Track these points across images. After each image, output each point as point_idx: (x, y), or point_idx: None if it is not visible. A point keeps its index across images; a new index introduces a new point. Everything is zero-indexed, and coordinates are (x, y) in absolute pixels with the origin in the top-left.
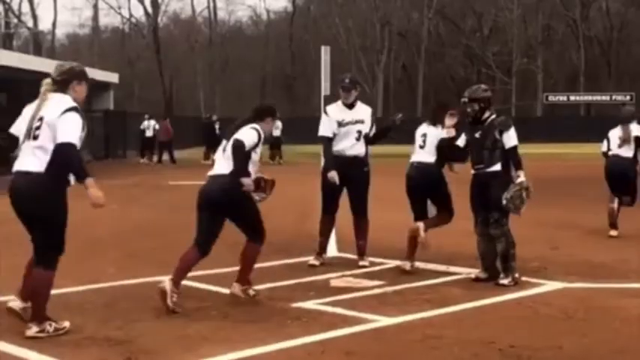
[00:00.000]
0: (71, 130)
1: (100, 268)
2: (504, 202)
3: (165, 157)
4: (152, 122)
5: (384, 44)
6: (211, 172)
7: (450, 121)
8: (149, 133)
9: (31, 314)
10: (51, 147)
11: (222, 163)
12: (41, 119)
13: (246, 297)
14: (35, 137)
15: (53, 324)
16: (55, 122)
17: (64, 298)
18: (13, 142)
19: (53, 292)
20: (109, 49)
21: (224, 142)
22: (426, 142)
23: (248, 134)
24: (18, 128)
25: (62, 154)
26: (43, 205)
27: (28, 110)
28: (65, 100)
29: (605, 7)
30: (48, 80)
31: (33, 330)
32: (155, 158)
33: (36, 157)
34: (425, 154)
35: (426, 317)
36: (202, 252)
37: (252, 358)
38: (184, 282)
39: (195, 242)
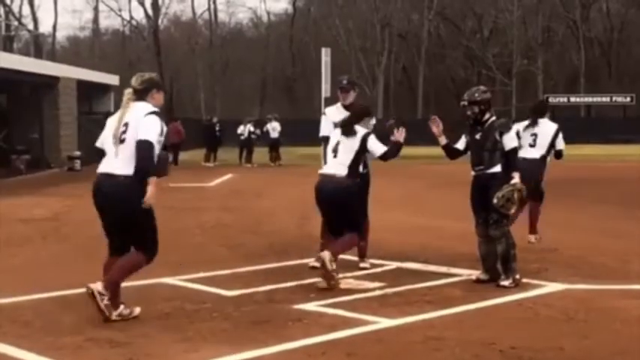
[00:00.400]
0: (151, 129)
1: (101, 270)
2: (495, 200)
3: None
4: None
5: (384, 46)
6: (325, 171)
7: (435, 128)
8: None
9: (105, 282)
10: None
11: (336, 163)
12: (126, 124)
13: (330, 268)
14: (122, 141)
15: (105, 298)
16: (138, 124)
17: (66, 299)
18: (100, 155)
19: (53, 294)
20: (109, 52)
21: (334, 142)
22: (537, 142)
23: (375, 142)
24: (102, 141)
25: (139, 149)
26: (129, 206)
27: (111, 121)
28: (147, 106)
29: (605, 8)
30: (129, 90)
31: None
32: (170, 158)
33: (122, 161)
34: (534, 152)
35: (427, 319)
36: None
37: (253, 359)
38: (185, 284)
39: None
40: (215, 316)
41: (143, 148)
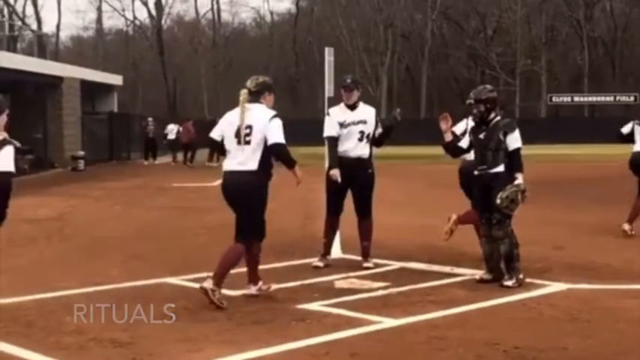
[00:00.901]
0: (280, 132)
1: (104, 270)
2: (499, 200)
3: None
4: (175, 126)
5: (387, 46)
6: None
7: (444, 124)
8: (172, 136)
9: (215, 275)
10: (261, 148)
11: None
12: (250, 127)
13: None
14: (247, 142)
15: (261, 285)
16: (264, 128)
17: (68, 300)
18: (215, 145)
19: (57, 294)
20: (112, 52)
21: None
22: None
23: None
24: (218, 133)
25: (277, 151)
26: (254, 196)
27: (228, 117)
28: (266, 109)
29: (609, 8)
30: (245, 91)
31: (252, 289)
32: (180, 158)
33: (249, 159)
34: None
35: (430, 319)
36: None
37: (256, 359)
38: (188, 284)
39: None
40: (218, 315)
41: (280, 149)
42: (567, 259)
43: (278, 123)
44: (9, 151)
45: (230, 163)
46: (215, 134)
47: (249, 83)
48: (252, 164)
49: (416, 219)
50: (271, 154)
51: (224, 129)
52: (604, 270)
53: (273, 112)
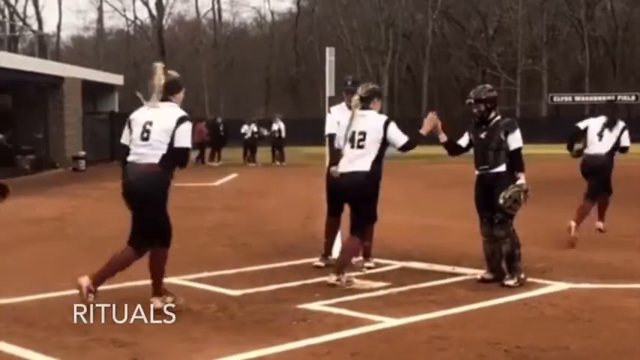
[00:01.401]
0: (400, 133)
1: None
2: (501, 200)
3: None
4: None
5: (388, 45)
6: (590, 152)
7: (431, 126)
8: None
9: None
10: (373, 150)
11: (602, 145)
12: (363, 133)
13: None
14: (360, 147)
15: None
16: (379, 133)
17: (69, 300)
18: (331, 139)
19: (59, 294)
20: (113, 52)
21: (599, 128)
22: None
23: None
24: (333, 130)
25: (408, 148)
26: (368, 192)
27: (336, 116)
28: (378, 116)
29: (610, 7)
30: (357, 97)
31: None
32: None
33: (362, 160)
34: None
35: (431, 318)
36: None
37: (257, 359)
38: (189, 284)
39: None
40: (219, 315)
41: (409, 147)
42: (568, 259)
43: (394, 126)
44: (187, 127)
45: (343, 165)
46: (331, 130)
47: (360, 90)
48: (366, 165)
49: (416, 219)
50: (404, 151)
51: (337, 129)
52: (605, 269)
53: (385, 117)
